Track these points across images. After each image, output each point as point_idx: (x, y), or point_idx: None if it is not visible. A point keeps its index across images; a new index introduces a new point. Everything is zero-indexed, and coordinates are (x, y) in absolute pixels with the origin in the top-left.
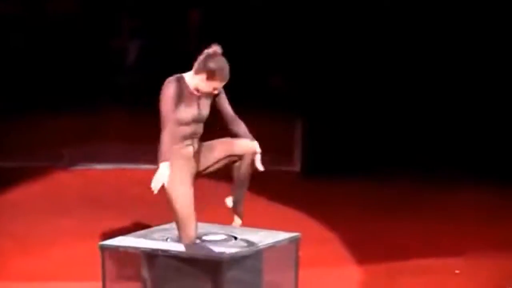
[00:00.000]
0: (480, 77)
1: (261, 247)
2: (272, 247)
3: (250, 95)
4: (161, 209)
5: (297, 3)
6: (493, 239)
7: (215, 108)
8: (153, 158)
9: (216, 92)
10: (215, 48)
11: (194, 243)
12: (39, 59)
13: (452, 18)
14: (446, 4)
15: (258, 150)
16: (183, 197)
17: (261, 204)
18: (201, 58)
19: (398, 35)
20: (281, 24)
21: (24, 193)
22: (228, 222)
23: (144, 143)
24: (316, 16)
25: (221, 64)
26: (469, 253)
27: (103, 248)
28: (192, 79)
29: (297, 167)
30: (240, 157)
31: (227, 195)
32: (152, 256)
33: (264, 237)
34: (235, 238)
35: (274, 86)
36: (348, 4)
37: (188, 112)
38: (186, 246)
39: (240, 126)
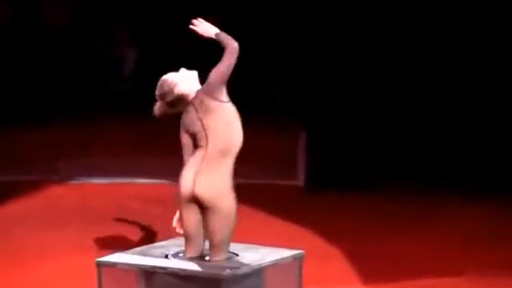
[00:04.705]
0: (483, 90)
1: (262, 265)
2: (274, 265)
3: (252, 104)
4: (159, 225)
5: (299, 12)
6: (496, 257)
7: None
8: (152, 171)
9: None
10: None
11: (194, 260)
12: (33, 68)
13: (449, 30)
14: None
15: None
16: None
17: (263, 220)
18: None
19: (402, 45)
20: (286, 34)
21: (19, 207)
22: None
23: (143, 156)
24: (320, 27)
25: None
26: (472, 272)
27: (100, 265)
28: None
29: (300, 181)
30: None
31: None
32: (150, 273)
33: (266, 254)
34: (236, 255)
35: (277, 96)
36: (353, 14)
37: None
38: (186, 263)
39: None
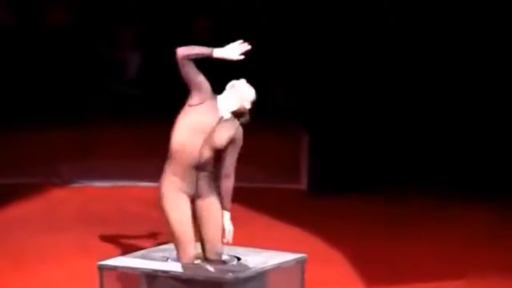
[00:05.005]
0: (483, 93)
1: (265, 268)
2: (277, 269)
3: (254, 107)
4: (161, 228)
5: (299, 13)
6: (496, 259)
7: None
8: (153, 174)
9: None
10: None
11: (196, 264)
12: (34, 70)
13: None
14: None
15: (227, 227)
16: (181, 216)
17: (266, 223)
18: None
19: (403, 46)
20: (287, 35)
21: (20, 210)
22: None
23: (144, 159)
24: (321, 28)
25: None
26: (473, 274)
27: (102, 268)
28: None
29: (303, 185)
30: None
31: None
32: (152, 276)
33: (268, 258)
34: (238, 258)
35: (278, 98)
36: (353, 14)
37: None
38: (187, 267)
39: (227, 185)
